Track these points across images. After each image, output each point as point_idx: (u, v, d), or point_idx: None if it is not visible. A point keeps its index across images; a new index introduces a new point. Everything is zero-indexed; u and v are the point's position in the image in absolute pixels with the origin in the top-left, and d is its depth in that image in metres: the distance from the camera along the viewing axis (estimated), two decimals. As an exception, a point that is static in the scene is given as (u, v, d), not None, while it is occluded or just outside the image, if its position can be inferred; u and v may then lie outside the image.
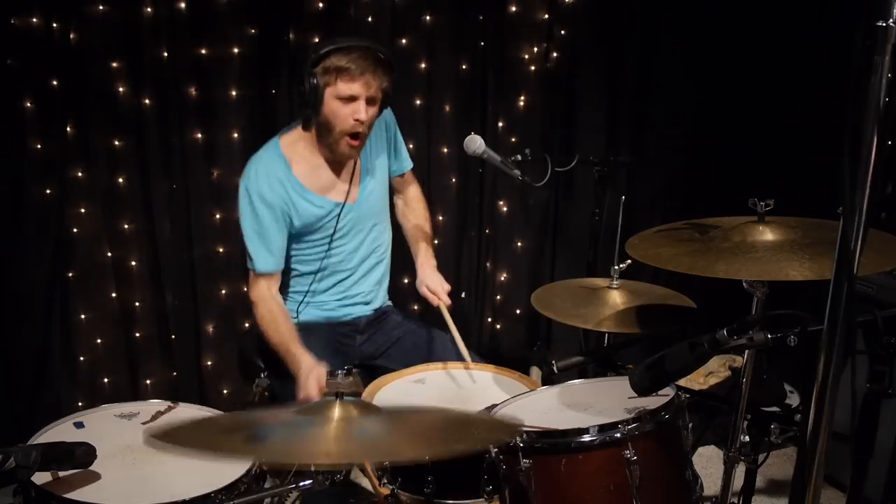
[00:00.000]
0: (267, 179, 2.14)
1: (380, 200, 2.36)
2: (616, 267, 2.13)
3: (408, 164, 2.46)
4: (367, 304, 2.37)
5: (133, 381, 2.83)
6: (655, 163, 3.34)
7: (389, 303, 2.49)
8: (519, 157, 2.45)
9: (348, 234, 2.28)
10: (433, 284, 2.29)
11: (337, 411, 1.29)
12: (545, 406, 1.82)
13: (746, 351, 1.87)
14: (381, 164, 2.33)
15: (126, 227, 2.75)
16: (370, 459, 1.19)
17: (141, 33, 2.60)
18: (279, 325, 2.17)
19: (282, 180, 2.16)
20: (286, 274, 2.29)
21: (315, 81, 2.04)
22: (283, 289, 2.33)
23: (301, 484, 1.52)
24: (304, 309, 2.32)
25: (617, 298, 2.11)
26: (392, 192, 2.48)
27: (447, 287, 2.30)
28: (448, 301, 2.27)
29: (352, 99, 2.06)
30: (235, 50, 2.73)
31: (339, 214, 2.22)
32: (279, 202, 2.15)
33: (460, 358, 2.18)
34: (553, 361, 1.92)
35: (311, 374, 2.01)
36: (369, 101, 2.08)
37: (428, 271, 2.33)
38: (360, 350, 2.35)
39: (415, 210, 2.50)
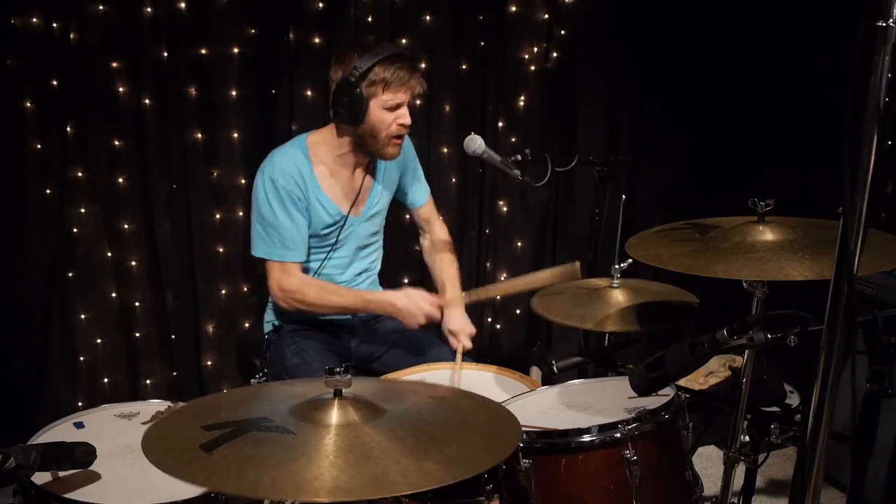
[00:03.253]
0: (290, 171, 2.15)
1: (380, 222, 2.38)
2: (616, 266, 2.13)
3: (425, 195, 2.47)
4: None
5: (133, 381, 2.83)
6: (655, 163, 3.34)
7: None
8: (519, 157, 2.45)
9: (345, 246, 2.29)
10: (455, 326, 2.27)
11: (335, 415, 1.29)
12: (545, 406, 1.83)
13: (746, 351, 1.87)
14: (389, 186, 2.35)
15: (126, 227, 2.75)
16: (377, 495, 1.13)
17: (141, 33, 2.60)
18: (339, 290, 2.24)
19: (304, 175, 2.18)
20: None
21: (360, 92, 2.08)
22: None
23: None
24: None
25: (619, 297, 2.11)
26: (417, 228, 2.53)
27: (472, 330, 2.28)
28: (469, 345, 2.24)
29: (397, 106, 2.12)
30: (235, 50, 2.73)
31: (342, 226, 2.23)
32: (299, 193, 2.16)
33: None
34: (553, 361, 1.92)
35: (410, 299, 2.15)
36: (409, 106, 2.17)
37: (455, 313, 2.31)
38: (354, 353, 2.35)
39: (442, 255, 2.47)
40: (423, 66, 2.98)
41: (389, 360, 2.32)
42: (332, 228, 2.23)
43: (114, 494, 1.49)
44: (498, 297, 3.25)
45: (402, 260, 3.01)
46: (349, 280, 2.33)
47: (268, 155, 2.18)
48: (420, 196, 2.46)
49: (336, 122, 2.19)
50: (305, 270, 2.25)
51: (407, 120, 2.16)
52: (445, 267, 2.45)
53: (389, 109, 2.12)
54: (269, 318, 2.38)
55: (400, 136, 2.18)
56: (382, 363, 2.33)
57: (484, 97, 3.08)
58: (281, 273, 2.18)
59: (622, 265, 2.11)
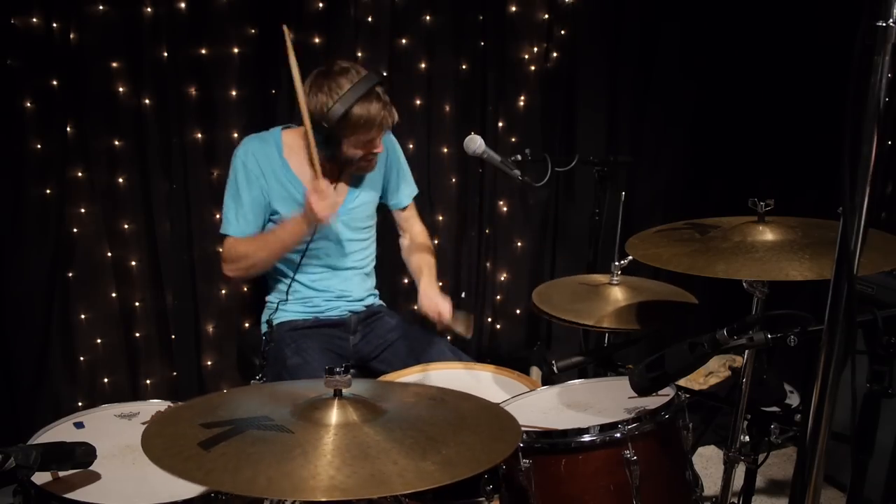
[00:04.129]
0: (254, 155, 2.23)
1: (367, 217, 2.38)
2: (617, 263, 2.13)
3: (409, 197, 2.47)
4: (348, 301, 2.38)
5: (133, 381, 2.83)
6: (655, 163, 3.34)
7: (381, 303, 2.50)
8: (519, 157, 2.45)
9: (324, 242, 2.29)
10: (431, 297, 2.24)
11: (335, 415, 1.28)
12: (545, 406, 1.83)
13: (746, 351, 1.87)
14: (369, 185, 2.36)
15: (126, 227, 2.75)
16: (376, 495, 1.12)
17: (141, 33, 2.60)
18: (261, 237, 2.24)
19: (270, 157, 2.24)
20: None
21: (332, 133, 2.10)
22: (267, 281, 2.39)
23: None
24: (287, 304, 2.34)
25: (618, 295, 2.11)
26: (397, 229, 2.52)
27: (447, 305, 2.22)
28: (447, 312, 2.21)
29: (370, 141, 2.17)
30: (235, 50, 2.73)
31: None
32: (257, 171, 2.22)
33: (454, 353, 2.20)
34: (553, 361, 1.92)
35: (306, 199, 2.08)
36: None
37: (430, 291, 2.29)
38: (354, 351, 2.35)
39: (420, 246, 2.48)
40: (423, 66, 2.98)
41: (389, 358, 2.33)
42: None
43: (114, 494, 1.49)
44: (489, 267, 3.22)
45: (399, 261, 3.00)
46: (332, 274, 2.34)
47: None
48: (404, 198, 2.46)
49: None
50: (287, 261, 2.28)
51: (379, 149, 2.21)
52: (426, 258, 2.43)
53: (362, 146, 2.17)
54: (266, 317, 2.38)
55: (371, 159, 2.23)
56: (382, 361, 2.33)
57: (484, 97, 3.08)
58: (225, 243, 2.26)
59: (622, 262, 2.11)
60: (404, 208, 2.48)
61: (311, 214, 2.07)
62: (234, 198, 2.23)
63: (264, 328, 2.35)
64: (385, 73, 2.91)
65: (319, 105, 2.09)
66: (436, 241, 3.13)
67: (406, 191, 2.47)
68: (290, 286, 2.31)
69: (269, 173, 2.23)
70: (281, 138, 2.29)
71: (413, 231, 2.52)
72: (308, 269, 2.32)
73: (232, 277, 2.37)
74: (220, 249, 2.33)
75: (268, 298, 2.42)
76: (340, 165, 2.25)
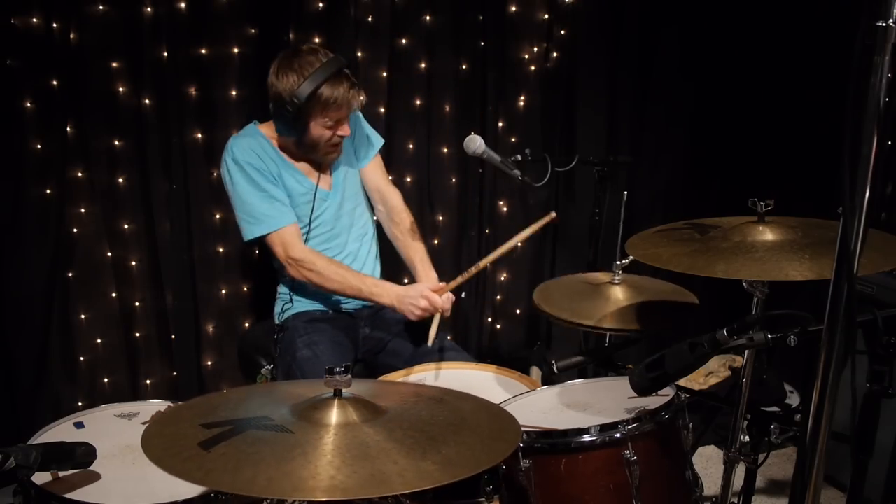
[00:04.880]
0: (252, 150, 2.23)
1: (356, 184, 2.42)
2: (618, 262, 2.13)
3: (368, 156, 2.44)
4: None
5: (133, 381, 2.83)
6: (655, 163, 3.34)
7: None
8: (519, 157, 2.45)
9: (330, 219, 2.33)
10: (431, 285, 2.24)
11: (335, 415, 1.28)
12: (545, 406, 1.83)
13: (746, 351, 1.87)
14: (347, 160, 2.40)
15: (126, 227, 2.75)
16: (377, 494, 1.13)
17: (141, 33, 2.60)
18: (340, 270, 2.24)
19: (267, 151, 2.26)
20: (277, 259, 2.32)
21: (300, 114, 2.12)
22: (276, 274, 2.40)
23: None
24: (298, 297, 2.35)
25: (618, 295, 2.11)
26: (370, 199, 2.50)
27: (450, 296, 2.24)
28: (447, 306, 2.21)
29: (337, 122, 2.18)
30: (235, 50, 2.73)
31: (314, 198, 2.28)
32: (263, 166, 2.23)
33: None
34: (553, 361, 1.92)
35: (408, 297, 2.16)
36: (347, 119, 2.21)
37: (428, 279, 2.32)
38: (364, 343, 2.36)
39: (406, 239, 2.45)
40: (423, 66, 2.98)
41: (397, 347, 2.34)
42: (306, 197, 2.28)
43: (114, 494, 1.49)
44: (489, 267, 3.20)
45: (399, 261, 3.00)
46: (340, 251, 2.35)
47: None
48: (363, 153, 2.44)
49: (276, 126, 2.27)
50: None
51: (346, 132, 2.22)
52: (413, 245, 2.42)
53: (329, 127, 2.18)
54: (279, 309, 2.39)
55: (337, 143, 2.25)
56: (390, 351, 2.34)
57: (484, 97, 3.08)
58: (283, 243, 2.22)
59: (624, 262, 2.12)
60: (366, 166, 2.45)
61: (407, 312, 2.17)
62: (258, 195, 2.20)
63: (279, 319, 2.36)
64: (385, 73, 2.91)
65: (290, 84, 2.11)
66: (435, 241, 3.13)
67: (363, 148, 2.44)
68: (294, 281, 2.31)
69: (272, 166, 2.24)
70: (262, 132, 2.30)
71: (390, 202, 2.46)
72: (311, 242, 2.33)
73: (294, 277, 2.27)
74: (275, 247, 2.23)
75: (279, 290, 2.43)
76: (304, 150, 2.26)
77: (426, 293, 2.17)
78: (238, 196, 2.22)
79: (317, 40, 2.79)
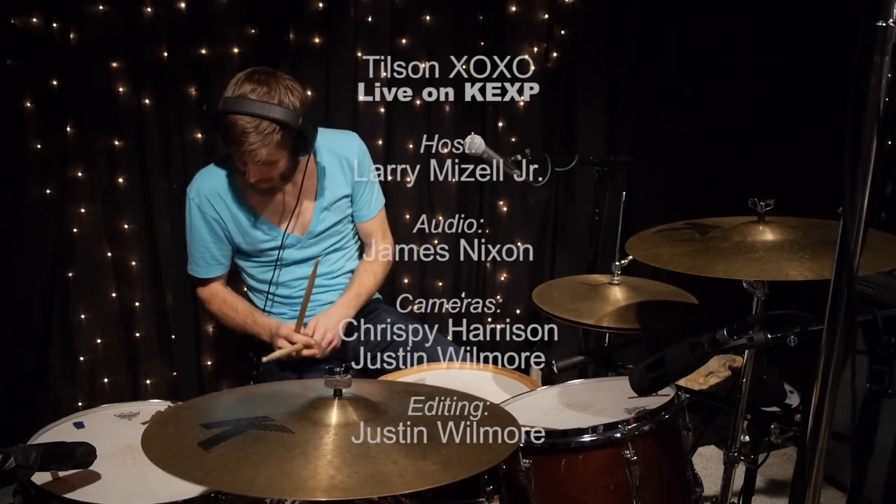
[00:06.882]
0: (208, 191, 2.17)
1: (336, 233, 2.31)
2: (617, 263, 2.13)
3: (369, 212, 2.35)
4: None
5: (133, 381, 2.83)
6: (655, 163, 3.33)
7: (379, 297, 2.49)
8: (519, 157, 2.45)
9: (296, 263, 2.28)
10: (322, 325, 2.17)
11: (335, 415, 1.28)
12: (545, 406, 1.83)
13: (746, 351, 1.87)
14: (338, 208, 2.28)
15: (126, 227, 2.75)
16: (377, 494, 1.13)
17: (141, 33, 2.60)
18: (236, 307, 2.26)
19: (221, 194, 2.17)
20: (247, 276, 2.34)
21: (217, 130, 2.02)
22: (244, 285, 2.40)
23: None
24: (274, 307, 2.34)
25: (618, 295, 2.11)
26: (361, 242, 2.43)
27: (333, 339, 2.18)
28: (313, 342, 2.15)
29: (244, 162, 2.00)
30: (235, 50, 2.73)
31: (283, 245, 2.22)
32: (215, 214, 2.17)
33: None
34: (553, 361, 1.92)
35: (276, 332, 2.14)
36: (265, 163, 1.98)
37: (330, 312, 2.24)
38: (353, 351, 2.35)
39: (369, 271, 2.36)
40: (423, 66, 2.98)
41: (391, 357, 2.32)
42: (271, 245, 2.22)
43: (114, 494, 1.49)
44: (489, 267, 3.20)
45: (399, 261, 3.00)
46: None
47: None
48: (365, 212, 2.36)
49: None
50: (259, 282, 2.29)
51: (252, 179, 2.01)
52: (362, 273, 2.34)
53: (237, 156, 2.00)
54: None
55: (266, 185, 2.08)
56: (384, 360, 2.33)
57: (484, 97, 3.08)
58: (197, 284, 2.29)
59: (623, 262, 2.12)
60: (366, 222, 2.37)
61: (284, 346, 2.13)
62: (195, 238, 2.21)
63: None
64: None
65: (211, 101, 2.01)
66: (435, 241, 3.12)
67: (369, 205, 2.36)
68: (268, 296, 2.30)
69: (226, 213, 2.17)
70: (227, 169, 2.18)
71: (373, 251, 2.38)
72: (287, 282, 2.31)
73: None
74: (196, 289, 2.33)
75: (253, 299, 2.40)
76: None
77: (283, 334, 2.14)
78: (186, 228, 2.24)
79: (317, 40, 2.79)
